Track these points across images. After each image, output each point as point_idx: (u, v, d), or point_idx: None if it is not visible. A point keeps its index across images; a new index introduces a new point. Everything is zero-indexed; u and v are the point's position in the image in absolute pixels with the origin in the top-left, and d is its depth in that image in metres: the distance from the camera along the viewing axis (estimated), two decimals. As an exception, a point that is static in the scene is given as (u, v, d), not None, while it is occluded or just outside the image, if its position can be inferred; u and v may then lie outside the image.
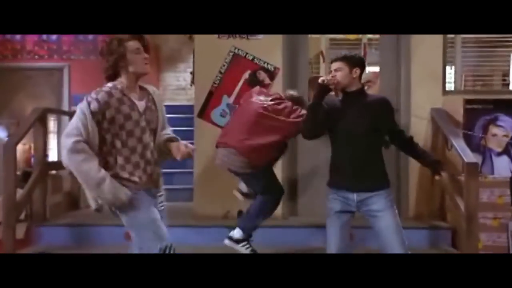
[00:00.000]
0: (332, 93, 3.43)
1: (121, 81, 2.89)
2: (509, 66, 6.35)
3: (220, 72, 5.14)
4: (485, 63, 6.56)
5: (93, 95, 2.78)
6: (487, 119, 4.99)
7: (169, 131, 3.06)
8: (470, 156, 4.14)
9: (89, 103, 2.75)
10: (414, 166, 4.80)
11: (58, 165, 6.68)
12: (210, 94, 5.12)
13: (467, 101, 4.99)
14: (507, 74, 6.41)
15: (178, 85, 9.96)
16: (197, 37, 5.18)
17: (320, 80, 3.24)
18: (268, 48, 5.10)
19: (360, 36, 6.43)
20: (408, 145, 3.44)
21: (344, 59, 3.31)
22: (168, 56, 9.89)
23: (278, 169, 4.62)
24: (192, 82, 7.04)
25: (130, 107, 2.84)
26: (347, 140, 3.24)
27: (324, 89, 3.22)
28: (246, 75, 5.11)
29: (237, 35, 5.12)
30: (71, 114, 6.64)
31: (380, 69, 5.28)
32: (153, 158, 2.92)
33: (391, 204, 3.21)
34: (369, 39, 6.51)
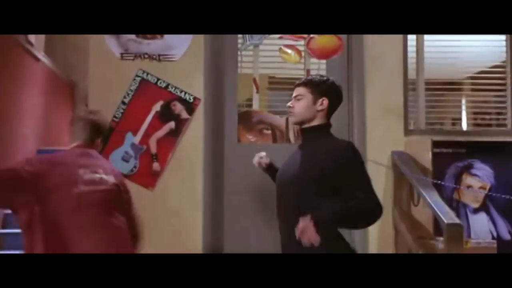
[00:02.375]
0: None
1: None
2: (460, 112, 5.48)
3: (123, 103, 3.96)
4: (434, 108, 5.74)
5: None
6: (459, 167, 3.95)
7: None
8: (451, 216, 3.05)
9: None
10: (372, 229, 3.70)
11: None
12: (109, 131, 3.90)
13: (435, 143, 3.96)
14: (458, 120, 5.58)
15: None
16: (92, 58, 4.02)
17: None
18: (186, 72, 3.99)
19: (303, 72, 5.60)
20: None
21: (307, 84, 2.52)
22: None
23: (199, 200, 3.94)
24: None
25: None
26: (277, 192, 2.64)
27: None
28: (157, 107, 3.98)
29: (146, 55, 4.00)
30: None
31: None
32: None
33: None
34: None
